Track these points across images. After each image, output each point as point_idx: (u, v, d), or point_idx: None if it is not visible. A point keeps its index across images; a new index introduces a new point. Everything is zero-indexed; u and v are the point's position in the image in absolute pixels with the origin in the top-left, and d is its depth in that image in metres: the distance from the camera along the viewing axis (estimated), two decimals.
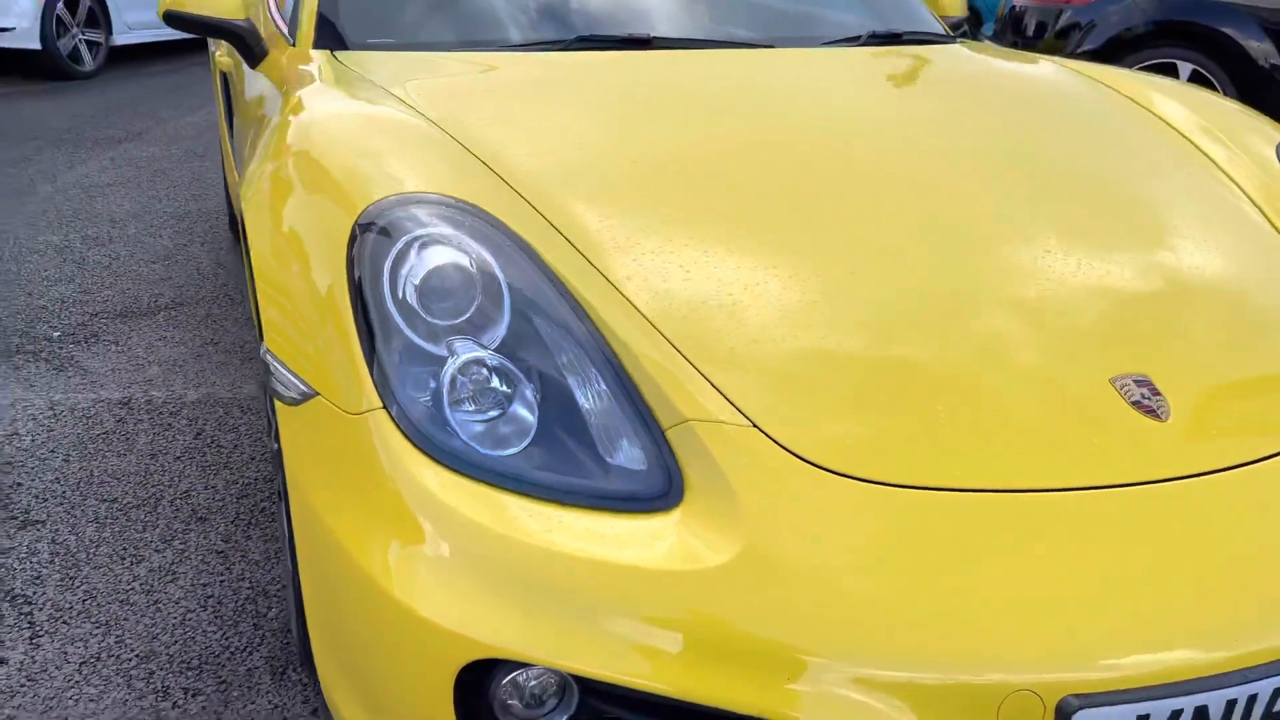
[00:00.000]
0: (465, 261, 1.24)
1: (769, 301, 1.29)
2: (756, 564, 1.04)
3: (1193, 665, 1.03)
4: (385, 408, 1.15)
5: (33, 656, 1.80)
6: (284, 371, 1.28)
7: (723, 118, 1.74)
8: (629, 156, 1.56)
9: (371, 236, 1.25)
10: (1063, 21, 4.82)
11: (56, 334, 3.19)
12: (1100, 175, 1.71)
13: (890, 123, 1.79)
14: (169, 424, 2.62)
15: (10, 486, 2.33)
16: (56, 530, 2.16)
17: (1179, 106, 1.94)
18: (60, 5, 8.16)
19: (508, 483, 1.11)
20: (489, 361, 1.18)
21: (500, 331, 1.21)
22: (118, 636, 1.85)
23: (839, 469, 1.11)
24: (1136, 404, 1.22)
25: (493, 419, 1.16)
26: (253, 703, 1.69)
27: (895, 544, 1.06)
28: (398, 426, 1.14)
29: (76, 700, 1.70)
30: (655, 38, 2.08)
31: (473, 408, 1.16)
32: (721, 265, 1.34)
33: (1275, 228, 1.64)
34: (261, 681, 1.74)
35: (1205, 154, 1.79)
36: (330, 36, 2.10)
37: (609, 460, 1.13)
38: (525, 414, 1.16)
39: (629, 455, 1.13)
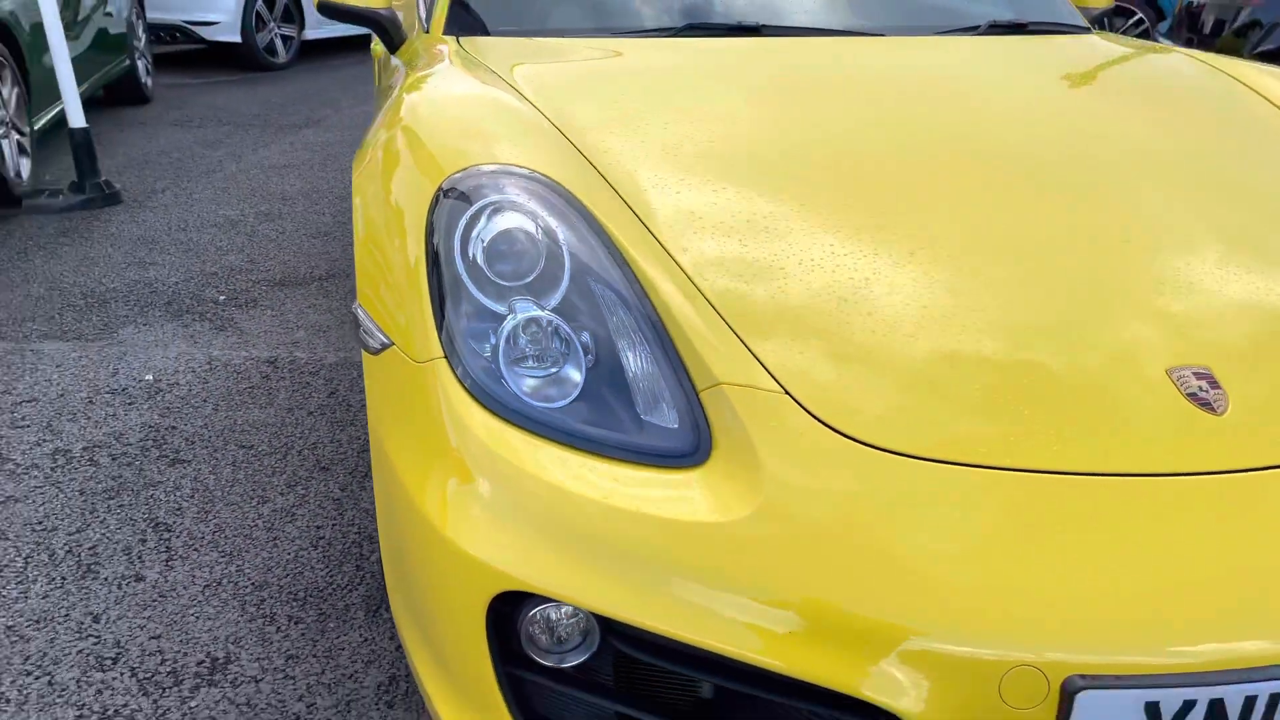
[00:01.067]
0: (532, 228, 1.32)
1: (819, 277, 1.32)
2: (768, 522, 1.08)
3: (1213, 659, 1.01)
4: (446, 357, 1.25)
5: (166, 577, 2.01)
6: (369, 323, 1.40)
7: (813, 101, 1.76)
8: (711, 136, 1.61)
9: (450, 201, 1.36)
10: (1241, 19, 4.53)
11: (222, 298, 3.49)
12: (1226, 167, 1.65)
13: (997, 108, 1.78)
14: (308, 383, 2.84)
15: (166, 429, 2.58)
16: (199, 469, 2.39)
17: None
18: (260, 1, 8.80)
19: (550, 432, 1.19)
20: (545, 321, 1.26)
21: (559, 294, 1.29)
22: (238, 566, 2.04)
23: (864, 439, 1.13)
24: (1195, 397, 1.19)
25: (544, 374, 1.24)
26: (345, 635, 1.84)
27: (909, 513, 1.08)
28: (455, 375, 1.24)
29: (197, 618, 1.89)
30: (764, 26, 2.12)
31: (527, 363, 1.25)
32: (780, 241, 1.37)
33: None
34: (356, 616, 1.89)
35: None
36: (459, 23, 2.24)
37: (645, 418, 1.19)
38: (574, 371, 1.24)
39: (664, 414, 1.19)
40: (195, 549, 2.10)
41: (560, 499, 1.14)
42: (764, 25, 2.13)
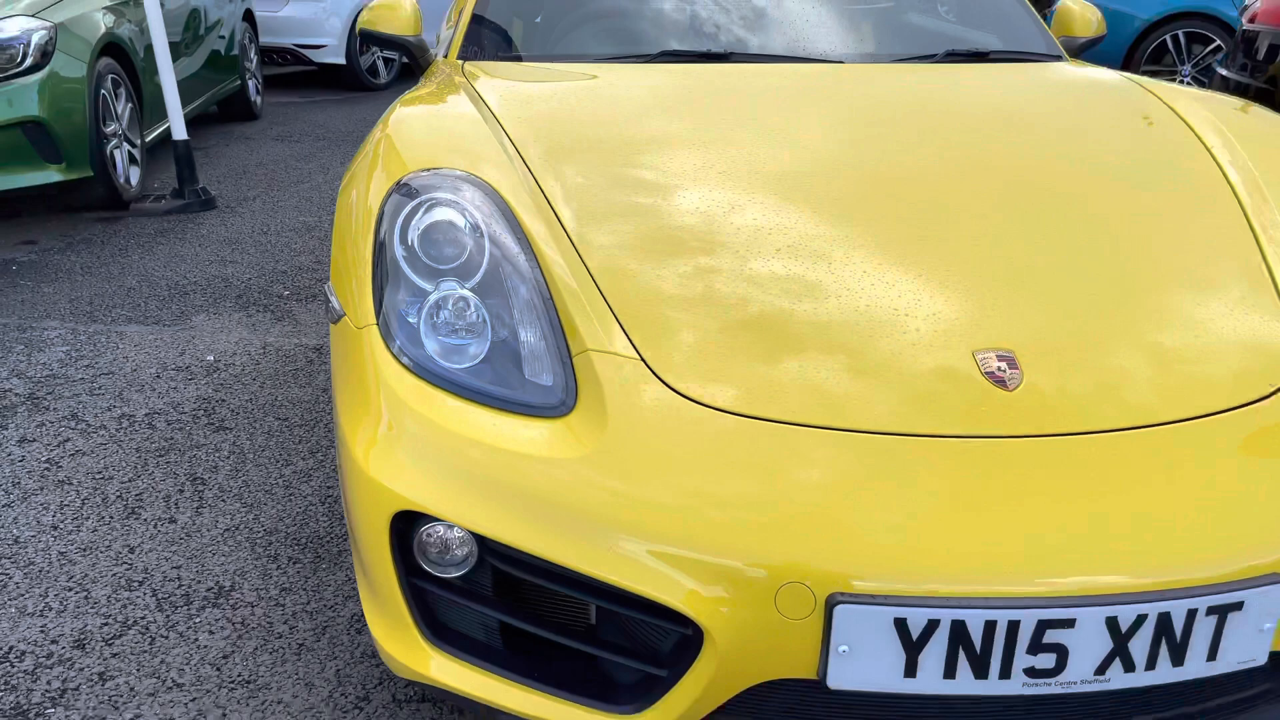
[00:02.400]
0: (462, 221, 1.59)
1: (695, 268, 1.55)
2: (603, 460, 1.31)
3: (959, 589, 1.20)
4: (378, 325, 1.52)
5: (194, 520, 2.34)
6: (332, 298, 1.69)
7: (730, 111, 1.99)
8: (632, 141, 1.86)
9: (397, 196, 1.63)
10: None
11: (286, 293, 3.87)
12: (1084, 180, 1.81)
13: (902, 128, 1.96)
14: None
15: (217, 401, 2.94)
16: (238, 436, 2.73)
17: (1213, 118, 1.97)
18: None
19: (453, 388, 1.45)
20: (464, 299, 1.52)
21: (478, 277, 1.54)
22: (255, 515, 2.36)
23: (697, 397, 1.36)
24: (990, 374, 1.38)
25: (457, 341, 1.50)
26: (333, 574, 2.13)
27: (721, 459, 1.30)
28: (383, 339, 1.51)
29: (214, 554, 2.21)
30: (732, 53, 2.36)
31: (446, 331, 1.51)
32: (669, 239, 1.61)
33: (1261, 250, 1.66)
34: (346, 561, 2.18)
35: (1222, 170, 1.83)
36: (471, 50, 2.53)
37: (529, 378, 1.44)
38: (481, 340, 1.49)
39: (543, 376, 1.44)
40: (223, 499, 2.42)
41: (452, 440, 1.39)
42: (732, 53, 2.36)
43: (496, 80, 2.20)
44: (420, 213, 1.60)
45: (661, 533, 1.27)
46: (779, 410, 1.34)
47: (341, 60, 9.28)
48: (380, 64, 9.73)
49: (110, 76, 4.91)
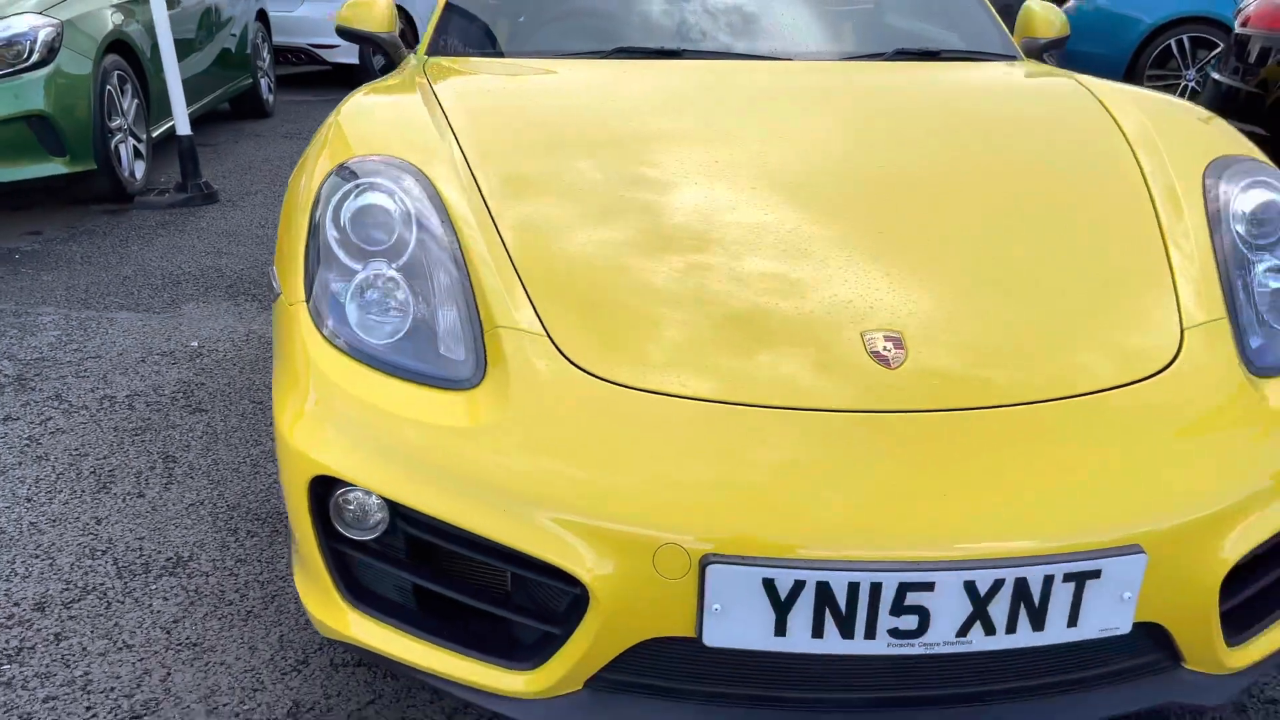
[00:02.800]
0: (392, 206, 1.67)
1: (607, 248, 1.62)
2: (504, 430, 1.39)
3: (825, 553, 1.26)
4: (306, 301, 1.61)
5: (161, 496, 2.43)
6: (274, 277, 1.77)
7: (666, 104, 2.06)
8: (567, 132, 1.93)
9: (333, 179, 1.71)
10: None
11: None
12: (1001, 173, 1.86)
13: (808, 117, 2.03)
14: None
15: (196, 385, 3.04)
16: (213, 417, 2.83)
17: (1143, 118, 2.02)
18: None
19: (373, 362, 1.53)
20: (389, 277, 1.60)
21: (404, 259, 1.62)
22: (220, 491, 2.45)
23: (595, 371, 1.43)
24: (875, 354, 1.44)
25: (380, 319, 1.58)
26: (288, 548, 2.22)
27: (614, 430, 1.37)
28: (311, 315, 1.59)
29: (176, 527, 2.30)
30: (684, 50, 2.43)
31: (371, 309, 1.59)
32: (585, 221, 1.68)
33: (1165, 248, 1.71)
34: None
35: (1139, 164, 1.88)
36: (439, 46, 2.62)
37: (443, 353, 1.52)
38: (403, 318, 1.57)
39: (456, 351, 1.51)
40: (191, 476, 2.52)
41: (367, 410, 1.47)
42: (684, 49, 2.44)
43: (454, 75, 2.28)
44: (353, 196, 1.68)
45: (551, 498, 1.34)
46: (670, 384, 1.42)
47: (355, 60, 9.42)
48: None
49: (117, 73, 5.04)
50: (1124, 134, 2.00)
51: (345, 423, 1.48)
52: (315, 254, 1.65)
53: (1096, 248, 1.71)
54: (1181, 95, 7.02)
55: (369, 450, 1.45)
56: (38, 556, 2.18)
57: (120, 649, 1.90)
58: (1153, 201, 1.80)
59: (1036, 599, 1.29)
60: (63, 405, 2.90)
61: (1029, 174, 1.90)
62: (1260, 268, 1.70)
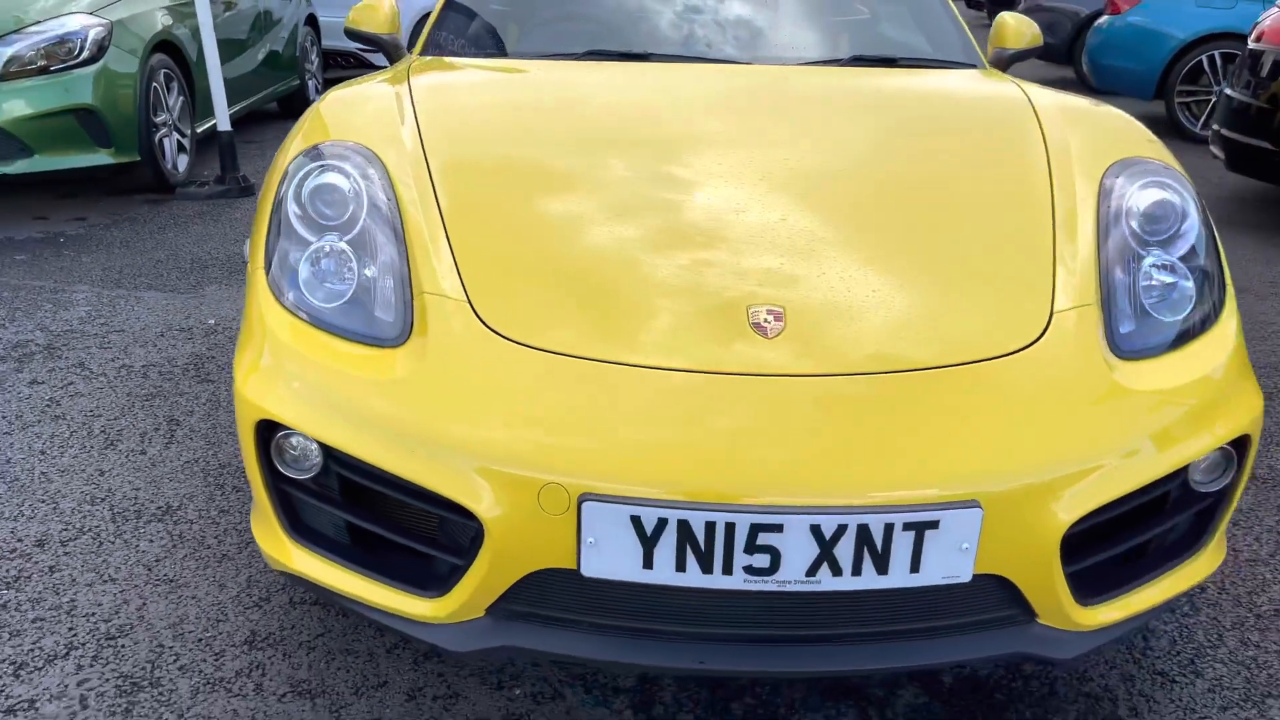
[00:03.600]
0: (347, 185, 1.86)
1: (534, 224, 1.79)
2: (414, 383, 1.56)
3: (688, 494, 1.42)
4: (265, 269, 1.80)
5: (162, 454, 2.65)
6: (246, 248, 1.97)
7: (610, 101, 2.23)
8: (517, 123, 2.11)
9: (299, 159, 1.91)
10: None
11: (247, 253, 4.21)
12: (915, 167, 2.00)
13: (739, 115, 2.19)
14: None
15: (207, 358, 3.27)
16: (218, 387, 3.06)
17: (1065, 122, 2.14)
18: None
19: (318, 323, 1.71)
20: (340, 249, 1.79)
21: (354, 231, 1.81)
22: (214, 452, 2.67)
23: (504, 332, 1.60)
24: (755, 325, 1.60)
25: (330, 286, 1.76)
26: None
27: (513, 384, 1.54)
28: (267, 280, 1.78)
29: (171, 481, 2.52)
30: (651, 54, 2.60)
31: (324, 276, 1.78)
32: (521, 198, 1.86)
33: (1053, 234, 1.83)
34: None
35: (1049, 164, 2.00)
36: (431, 48, 2.82)
37: (376, 315, 1.70)
38: (347, 285, 1.76)
39: (388, 314, 1.70)
40: (190, 438, 2.74)
41: (307, 365, 1.66)
42: (649, 53, 2.60)
43: (432, 71, 2.47)
44: (314, 175, 1.87)
45: (453, 442, 1.51)
46: (565, 345, 1.58)
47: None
48: None
49: (163, 71, 5.35)
50: (1044, 136, 2.12)
51: (288, 375, 1.67)
52: (277, 226, 1.84)
53: (989, 238, 1.84)
54: (1212, 112, 7.02)
55: (306, 399, 1.63)
56: (44, 501, 2.41)
57: (105, 581, 2.12)
58: (1052, 198, 1.92)
59: (879, 545, 1.44)
60: (84, 372, 3.15)
61: (942, 170, 2.03)
62: (1148, 261, 1.82)
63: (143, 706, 1.78)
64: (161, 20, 5.40)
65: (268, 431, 1.68)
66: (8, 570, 2.14)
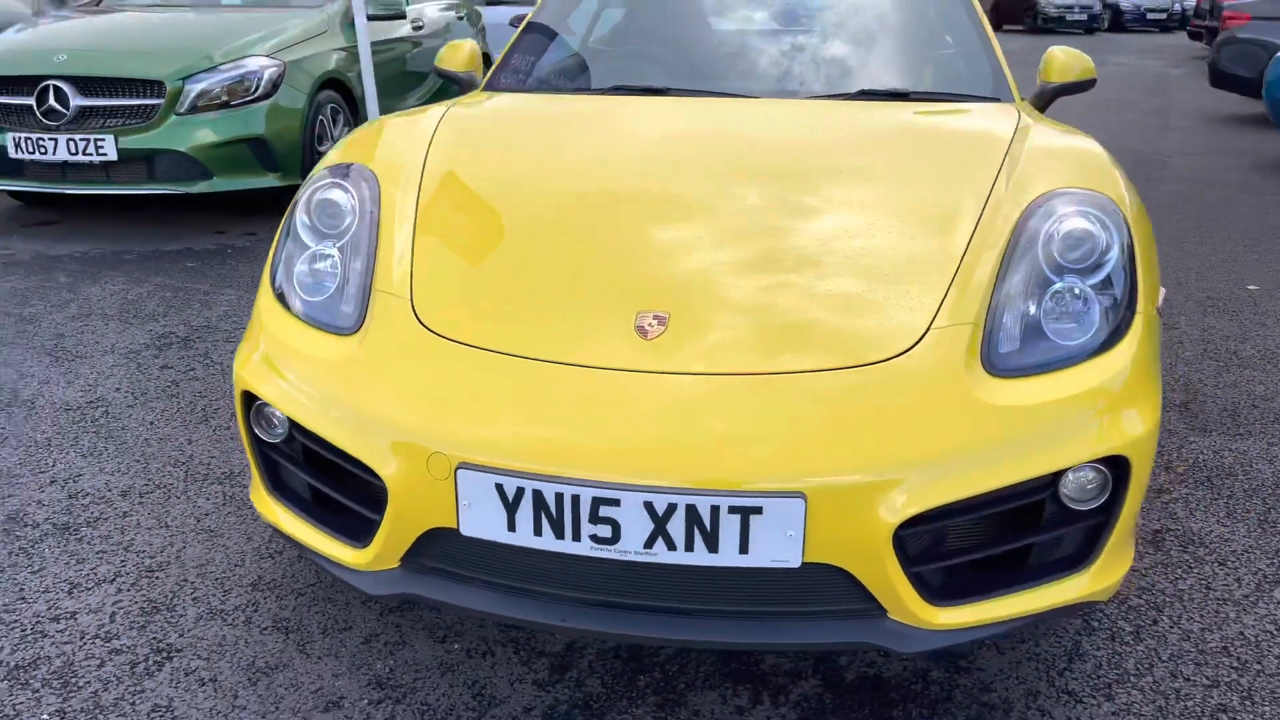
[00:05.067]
0: (345, 200, 2.19)
1: (484, 240, 2.06)
2: (349, 366, 1.85)
3: (548, 468, 1.63)
4: (272, 266, 2.16)
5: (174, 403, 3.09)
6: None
7: (608, 133, 2.46)
8: (513, 151, 2.39)
9: (316, 176, 2.26)
10: None
11: None
12: (858, 194, 2.12)
13: (717, 145, 2.37)
14: None
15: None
16: None
17: (1031, 154, 2.21)
18: None
19: (299, 314, 2.04)
20: (331, 255, 2.12)
21: (345, 240, 2.14)
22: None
23: (435, 329, 1.87)
24: (639, 328, 1.79)
25: (315, 283, 2.09)
26: None
27: (427, 369, 1.80)
28: (270, 277, 2.14)
29: (240, 453, 2.94)
30: (670, 88, 2.82)
31: (313, 276, 2.11)
32: (484, 218, 2.13)
33: (963, 257, 1.93)
34: None
35: (991, 191, 2.08)
36: (492, 83, 3.16)
37: (342, 308, 2.01)
38: (331, 283, 2.08)
39: (351, 308, 2.00)
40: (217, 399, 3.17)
41: (283, 349, 1.99)
42: (670, 88, 2.83)
43: (470, 105, 2.80)
44: (322, 190, 2.22)
45: (369, 414, 1.79)
46: (478, 339, 1.84)
47: None
48: None
49: (330, 105, 6.01)
50: (1001, 167, 2.20)
51: (268, 356, 2.01)
52: (288, 231, 2.20)
53: (900, 259, 1.95)
54: None
55: (276, 376, 1.96)
56: (138, 461, 2.89)
57: (162, 528, 2.53)
58: (978, 224, 2.01)
59: (707, 524, 1.60)
60: (205, 361, 3.67)
61: (884, 195, 2.15)
62: (1058, 287, 1.88)
63: (155, 625, 2.16)
64: (335, 61, 6.08)
65: (251, 403, 2.02)
66: (92, 512, 2.60)
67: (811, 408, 1.67)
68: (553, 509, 1.64)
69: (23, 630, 2.14)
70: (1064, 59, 3.14)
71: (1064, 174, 2.12)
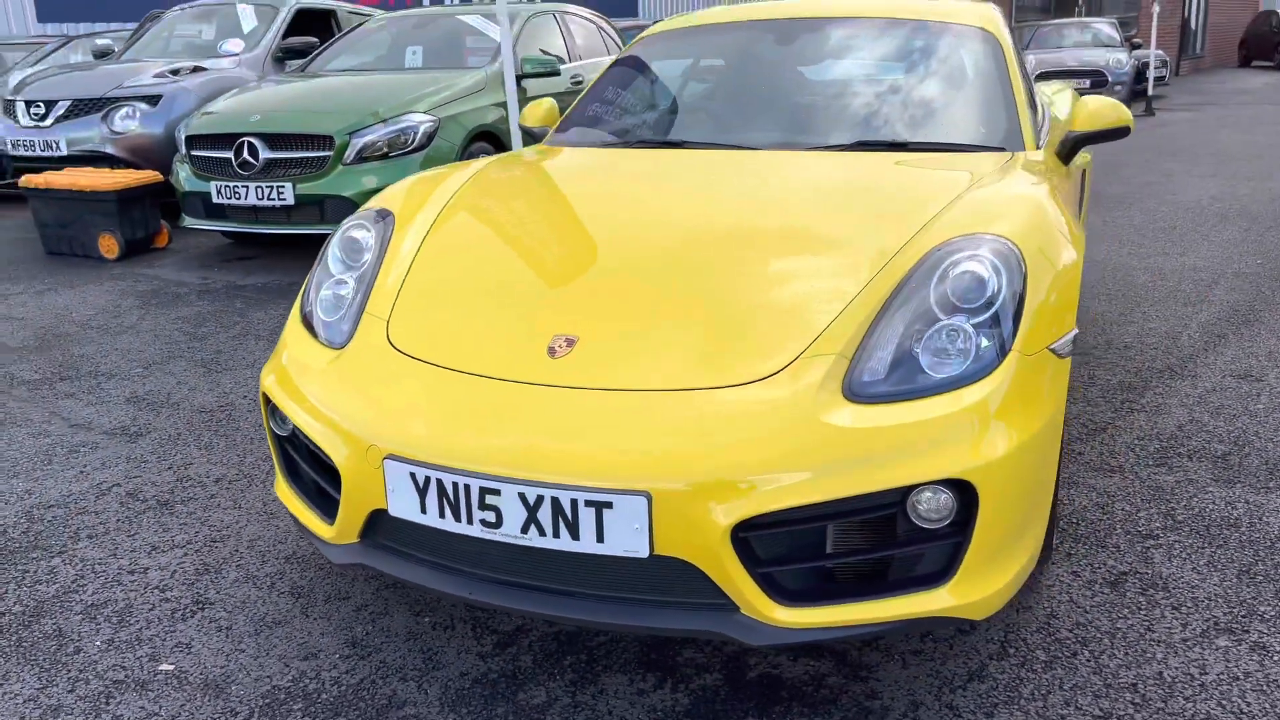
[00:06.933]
0: (365, 238, 2.62)
1: (468, 276, 2.42)
2: (327, 375, 2.25)
3: (444, 460, 1.96)
4: (303, 293, 2.61)
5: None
6: None
7: (595, 193, 2.78)
8: (525, 201, 2.75)
9: (353, 217, 2.71)
10: None
11: None
12: (790, 233, 2.33)
13: (694, 195, 2.62)
14: None
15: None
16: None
17: (971, 202, 2.34)
18: None
19: (312, 332, 2.48)
20: (350, 283, 2.55)
21: (361, 270, 2.57)
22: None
23: (397, 344, 2.24)
24: (550, 349, 2.09)
25: (333, 306, 2.52)
26: None
27: (383, 379, 2.17)
28: (300, 302, 2.59)
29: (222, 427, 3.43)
30: (686, 141, 3.11)
31: (333, 301, 2.54)
32: (477, 256, 2.49)
33: (857, 294, 2.10)
34: None
35: (913, 236, 2.24)
36: (553, 139, 3.56)
37: (341, 327, 2.42)
38: (345, 307, 2.51)
39: (346, 326, 2.41)
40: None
41: (293, 358, 2.43)
42: (685, 141, 3.12)
43: (514, 159, 3.20)
44: (350, 229, 2.67)
45: (333, 413, 2.18)
46: (426, 354, 2.20)
47: None
48: None
49: (481, 154, 6.63)
50: (941, 213, 2.36)
51: (282, 365, 2.45)
52: (320, 261, 2.66)
53: (803, 294, 2.15)
54: None
55: (283, 381, 2.40)
56: (238, 455, 3.44)
57: (235, 509, 3.04)
58: (886, 266, 2.19)
59: (569, 515, 1.88)
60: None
61: (812, 235, 2.35)
62: (942, 324, 2.03)
63: (202, 583, 2.64)
64: (489, 115, 6.71)
65: (268, 403, 2.47)
66: (189, 493, 3.15)
67: (664, 419, 1.91)
68: (450, 496, 1.97)
69: (106, 578, 2.68)
70: (1094, 108, 3.18)
71: (981, 221, 2.25)
